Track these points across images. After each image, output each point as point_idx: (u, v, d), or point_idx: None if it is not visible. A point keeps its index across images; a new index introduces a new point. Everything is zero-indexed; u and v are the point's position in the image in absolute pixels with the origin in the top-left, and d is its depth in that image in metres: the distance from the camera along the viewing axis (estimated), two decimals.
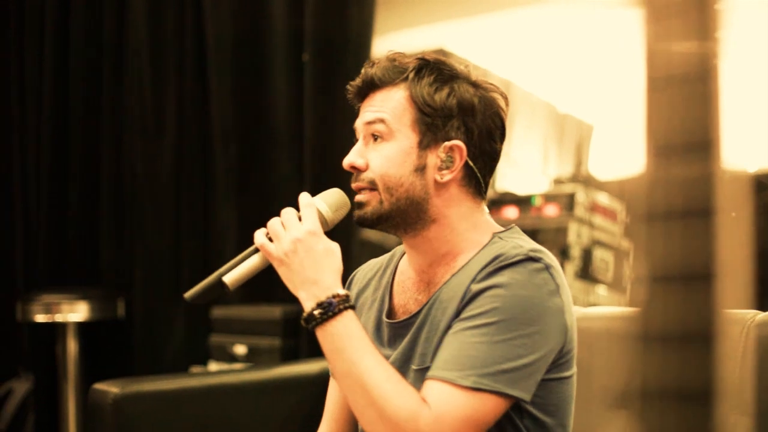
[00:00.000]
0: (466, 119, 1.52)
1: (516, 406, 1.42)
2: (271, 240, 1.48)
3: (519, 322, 1.37)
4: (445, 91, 1.51)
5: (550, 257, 1.45)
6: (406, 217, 1.52)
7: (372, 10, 3.33)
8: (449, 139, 1.51)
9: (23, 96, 4.24)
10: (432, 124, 1.50)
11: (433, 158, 1.51)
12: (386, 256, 1.74)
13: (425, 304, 1.53)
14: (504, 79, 6.85)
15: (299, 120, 3.45)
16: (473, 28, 5.65)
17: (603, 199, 5.38)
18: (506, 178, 6.74)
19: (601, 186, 5.58)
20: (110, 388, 2.27)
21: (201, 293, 1.51)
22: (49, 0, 4.17)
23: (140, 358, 3.87)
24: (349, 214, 1.58)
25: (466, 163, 1.52)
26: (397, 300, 1.62)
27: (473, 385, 1.35)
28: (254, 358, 3.24)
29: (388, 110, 1.52)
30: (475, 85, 1.54)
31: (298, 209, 1.50)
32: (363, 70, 1.57)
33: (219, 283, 1.51)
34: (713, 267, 0.53)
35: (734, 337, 1.66)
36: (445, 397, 1.35)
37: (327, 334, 1.41)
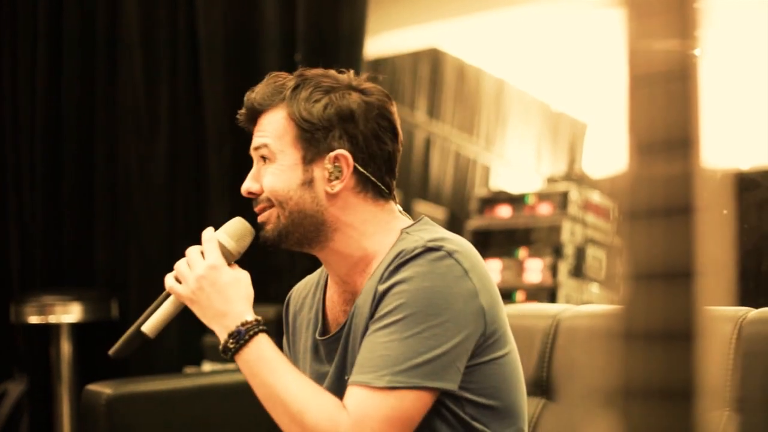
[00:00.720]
0: (348, 127, 1.51)
1: (453, 397, 1.43)
2: (180, 282, 1.53)
3: (426, 314, 1.38)
4: (322, 103, 1.51)
5: (456, 243, 1.45)
6: (304, 231, 1.53)
7: (364, 10, 3.34)
8: (332, 150, 1.51)
9: (16, 97, 4.23)
10: (312, 139, 1.51)
11: (320, 171, 1.52)
12: (318, 272, 1.73)
13: (349, 315, 1.54)
14: (498, 77, 6.86)
15: None
16: (466, 27, 5.65)
17: (596, 197, 5.39)
18: (500, 176, 6.75)
19: (594, 184, 5.59)
20: (104, 389, 2.27)
21: (123, 347, 1.57)
22: (42, 0, 4.16)
23: (134, 359, 3.86)
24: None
25: (357, 170, 1.52)
26: (330, 315, 1.63)
27: (388, 385, 1.36)
28: None
29: (269, 133, 1.55)
30: (357, 90, 1.54)
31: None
32: (245, 97, 1.60)
33: (139, 334, 1.57)
34: (695, 265, 0.53)
35: (725, 335, 1.66)
36: (362, 400, 1.37)
37: (243, 362, 1.46)
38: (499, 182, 6.62)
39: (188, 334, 3.67)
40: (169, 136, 3.88)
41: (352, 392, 1.40)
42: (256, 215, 1.59)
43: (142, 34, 3.94)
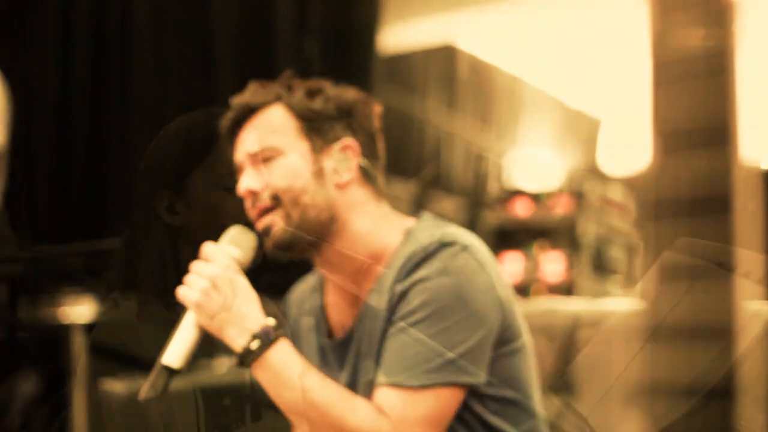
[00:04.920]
0: (349, 120, 1.52)
1: (475, 394, 1.41)
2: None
3: (450, 309, 1.37)
4: (320, 98, 1.52)
5: (467, 237, 1.44)
6: (316, 229, 1.48)
7: (380, 2, 3.32)
8: (338, 139, 1.51)
9: (27, 91, 4.22)
10: (318, 129, 1.50)
11: (329, 161, 1.49)
12: (313, 276, 1.69)
13: (358, 316, 1.50)
14: (512, 74, 6.84)
15: None
16: (481, 21, 5.64)
17: (614, 193, 5.38)
18: (517, 173, 6.74)
19: (612, 181, 5.58)
20: (118, 387, 2.26)
21: (153, 386, 1.51)
22: None
23: (149, 357, 3.85)
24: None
25: (361, 163, 1.52)
26: (333, 319, 1.59)
27: (424, 383, 1.34)
28: None
29: (270, 130, 1.50)
30: (346, 93, 1.55)
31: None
32: (232, 103, 1.55)
33: (164, 368, 1.50)
34: (729, 261, 0.51)
35: (749, 332, 1.64)
36: (400, 402, 1.35)
37: (266, 367, 1.39)
38: (516, 179, 6.61)
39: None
40: None
41: (386, 394, 1.36)
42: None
43: (153, 26, 3.93)
